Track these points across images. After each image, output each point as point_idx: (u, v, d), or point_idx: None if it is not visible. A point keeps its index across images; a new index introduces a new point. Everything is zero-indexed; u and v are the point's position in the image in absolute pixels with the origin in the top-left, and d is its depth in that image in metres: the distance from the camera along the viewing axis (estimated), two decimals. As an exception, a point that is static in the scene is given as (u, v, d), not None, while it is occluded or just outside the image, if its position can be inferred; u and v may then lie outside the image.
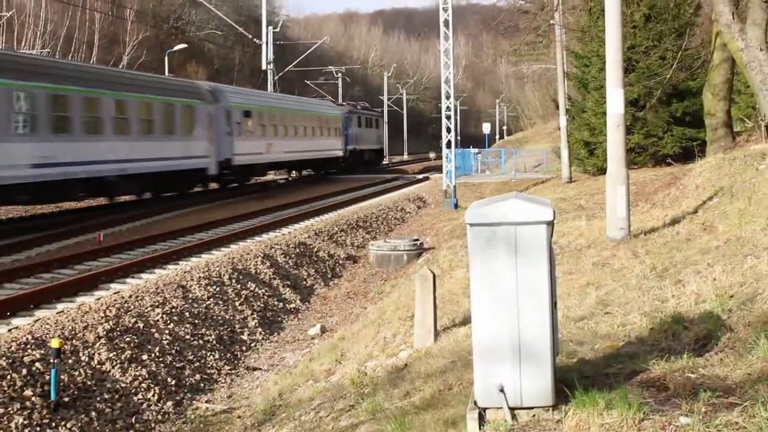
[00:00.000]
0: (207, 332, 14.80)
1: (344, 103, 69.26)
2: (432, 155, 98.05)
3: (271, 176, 52.55)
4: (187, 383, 12.82)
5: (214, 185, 40.88)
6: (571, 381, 6.22)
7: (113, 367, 12.11)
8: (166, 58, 61.17)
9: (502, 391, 5.88)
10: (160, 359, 13.01)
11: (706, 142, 25.14)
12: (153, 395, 11.94)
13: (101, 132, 29.02)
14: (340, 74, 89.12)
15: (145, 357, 12.80)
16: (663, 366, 6.68)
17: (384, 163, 79.21)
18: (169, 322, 14.32)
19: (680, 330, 7.73)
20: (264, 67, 58.63)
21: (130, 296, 14.82)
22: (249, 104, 43.42)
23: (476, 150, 58.27)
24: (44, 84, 25.84)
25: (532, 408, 5.94)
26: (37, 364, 11.07)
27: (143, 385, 12.07)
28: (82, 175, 27.65)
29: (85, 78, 29.00)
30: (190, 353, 13.77)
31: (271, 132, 45.46)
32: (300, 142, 50.61)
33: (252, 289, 17.83)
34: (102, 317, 13.27)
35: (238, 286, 17.60)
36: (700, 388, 5.98)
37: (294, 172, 54.50)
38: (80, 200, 32.66)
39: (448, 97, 35.47)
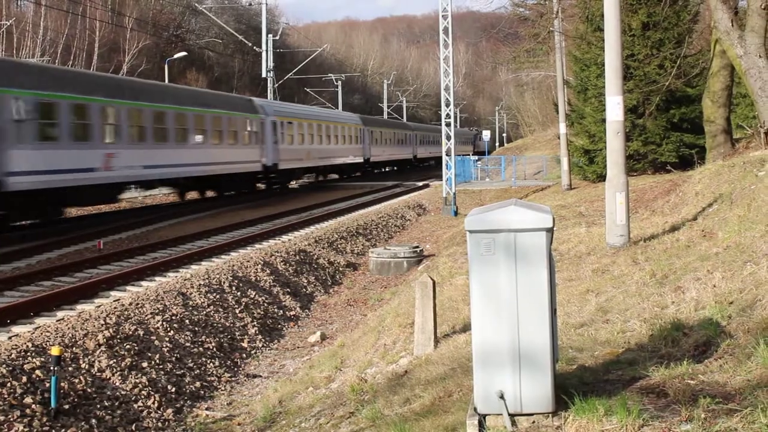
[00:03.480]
0: (207, 339, 14.78)
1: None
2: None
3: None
4: (187, 390, 12.80)
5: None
6: (571, 387, 6.24)
7: (113, 375, 12.10)
8: (166, 66, 61.25)
9: (501, 397, 5.89)
10: (160, 367, 13.00)
11: (705, 149, 25.15)
12: (153, 403, 11.93)
13: (187, 141, 35.16)
14: (339, 82, 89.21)
15: (145, 364, 12.79)
16: (663, 372, 6.69)
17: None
18: (169, 329, 14.31)
19: (680, 336, 7.74)
20: (264, 75, 58.76)
21: (130, 304, 14.81)
22: (291, 116, 48.14)
23: (476, 157, 58.38)
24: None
25: (531, 414, 5.95)
26: (38, 372, 11.06)
27: (143, 392, 12.04)
28: (174, 175, 34.14)
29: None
30: (190, 360, 13.76)
31: (308, 141, 50.19)
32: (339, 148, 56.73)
33: (252, 296, 17.82)
34: (102, 325, 13.26)
35: (238, 293, 17.58)
36: (699, 394, 5.98)
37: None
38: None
39: (447, 105, 35.48)
